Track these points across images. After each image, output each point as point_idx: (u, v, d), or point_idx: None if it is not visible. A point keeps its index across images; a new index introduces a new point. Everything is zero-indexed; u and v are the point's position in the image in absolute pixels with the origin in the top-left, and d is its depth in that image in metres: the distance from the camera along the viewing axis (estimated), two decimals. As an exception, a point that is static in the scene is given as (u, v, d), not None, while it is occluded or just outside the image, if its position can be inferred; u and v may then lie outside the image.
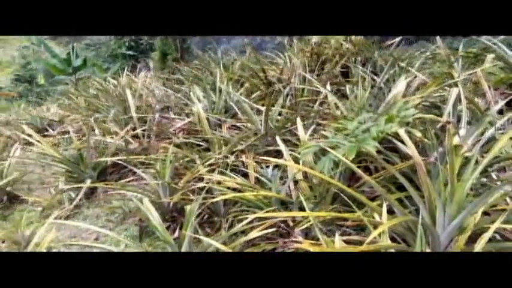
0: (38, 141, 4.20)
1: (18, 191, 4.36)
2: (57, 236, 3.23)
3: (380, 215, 1.84)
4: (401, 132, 1.97)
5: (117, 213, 3.55)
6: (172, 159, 2.96)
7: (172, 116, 4.28)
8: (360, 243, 1.95)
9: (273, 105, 3.53)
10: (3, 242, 3.26)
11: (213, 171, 2.91)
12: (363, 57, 4.51)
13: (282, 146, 2.66)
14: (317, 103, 3.55)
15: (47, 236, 2.69)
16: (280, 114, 3.59)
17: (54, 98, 11.35)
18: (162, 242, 2.89)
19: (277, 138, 2.72)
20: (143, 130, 4.24)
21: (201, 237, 2.00)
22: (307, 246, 1.61)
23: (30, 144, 5.22)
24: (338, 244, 1.69)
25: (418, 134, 2.06)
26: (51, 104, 8.73)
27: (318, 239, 2.05)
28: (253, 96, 4.10)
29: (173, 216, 3.00)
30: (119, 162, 4.07)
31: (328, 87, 3.38)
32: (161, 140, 4.20)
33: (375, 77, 3.90)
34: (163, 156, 3.03)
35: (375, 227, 1.75)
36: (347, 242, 1.90)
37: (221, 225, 2.72)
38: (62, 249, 3.10)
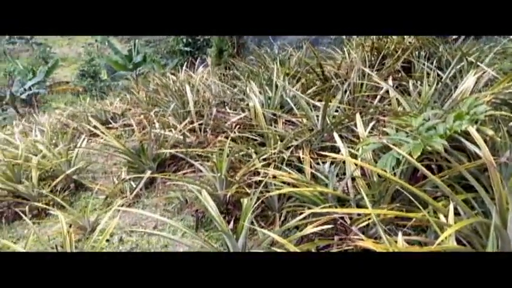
0: (103, 132, 4.43)
1: (84, 180, 4.64)
2: (118, 223, 3.41)
3: (445, 215, 1.75)
4: (472, 130, 1.86)
5: (174, 203, 3.67)
6: (229, 153, 3.00)
7: (228, 110, 4.34)
8: (421, 244, 1.87)
9: (330, 101, 3.47)
10: (70, 226, 3.47)
11: (268, 165, 2.91)
12: (426, 52, 4.30)
13: (339, 142, 2.60)
14: (377, 99, 3.45)
15: (111, 222, 2.82)
16: (337, 110, 3.52)
17: (116, 92, 11.92)
18: (217, 233, 2.96)
19: (335, 134, 2.67)
20: (200, 124, 4.33)
21: (259, 229, 2.01)
22: (369, 244, 1.56)
23: (95, 135, 5.54)
24: (401, 244, 1.62)
25: (490, 132, 1.93)
26: (114, 98, 9.16)
27: (376, 238, 1.99)
28: (309, 91, 4.05)
29: (228, 209, 3.05)
30: (177, 154, 4.21)
31: (390, 82, 3.26)
32: (217, 134, 4.28)
33: (440, 73, 3.71)
34: (220, 150, 3.08)
35: (440, 228, 1.67)
36: (407, 242, 1.83)
37: (275, 219, 2.73)
38: (124, 236, 3.26)
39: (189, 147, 4.04)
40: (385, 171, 1.87)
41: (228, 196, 2.92)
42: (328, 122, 3.14)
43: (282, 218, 2.70)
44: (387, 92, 3.38)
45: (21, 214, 3.66)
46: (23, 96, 19.12)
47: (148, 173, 4.02)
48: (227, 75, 5.94)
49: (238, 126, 3.84)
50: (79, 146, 4.80)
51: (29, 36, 38.35)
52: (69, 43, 41.49)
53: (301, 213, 2.49)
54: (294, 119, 3.61)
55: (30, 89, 19.34)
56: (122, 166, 4.53)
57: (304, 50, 5.52)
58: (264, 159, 3.03)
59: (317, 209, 2.04)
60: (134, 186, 4.01)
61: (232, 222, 2.74)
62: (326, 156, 2.40)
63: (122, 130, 5.94)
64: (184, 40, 11.68)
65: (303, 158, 2.74)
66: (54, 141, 5.50)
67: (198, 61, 8.79)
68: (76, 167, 4.56)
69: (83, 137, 5.17)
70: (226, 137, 3.38)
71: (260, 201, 2.57)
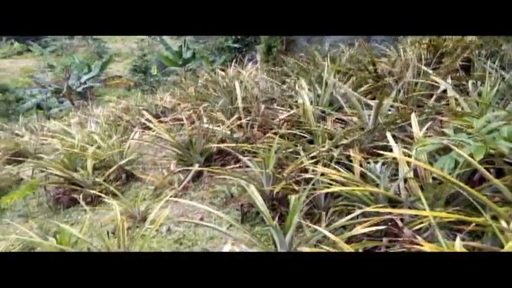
0: (155, 126, 4.56)
1: (135, 170, 4.82)
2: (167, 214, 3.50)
3: (507, 221, 1.65)
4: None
5: (219, 197, 3.72)
6: (277, 149, 3.00)
7: (276, 107, 4.33)
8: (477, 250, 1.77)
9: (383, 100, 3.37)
10: (121, 214, 3.61)
11: (316, 163, 2.88)
12: (488, 51, 4.07)
13: (392, 142, 2.52)
14: (432, 98, 3.31)
15: (162, 212, 2.90)
16: (389, 110, 3.42)
17: (166, 87, 12.25)
18: (262, 228, 2.97)
19: (388, 133, 2.59)
20: (247, 120, 4.35)
21: (312, 225, 1.99)
22: (427, 248, 1.50)
23: (147, 128, 5.73)
24: (459, 249, 1.55)
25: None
26: (164, 93, 9.43)
27: (429, 242, 1.91)
28: (360, 89, 3.96)
29: (273, 205, 3.05)
30: (224, 149, 4.27)
31: (449, 81, 3.12)
32: (264, 130, 4.29)
33: (503, 72, 3.50)
34: (269, 146, 3.07)
35: (502, 234, 1.57)
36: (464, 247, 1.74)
37: (320, 217, 2.69)
38: (172, 226, 3.34)
39: (236, 143, 4.08)
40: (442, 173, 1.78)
41: (274, 192, 2.91)
42: (381, 121, 3.05)
43: (328, 217, 2.66)
44: (444, 91, 3.24)
45: (79, 200, 3.86)
46: (79, 90, 20.13)
47: (196, 166, 4.10)
48: (276, 71, 5.93)
49: (286, 123, 3.83)
50: (132, 138, 4.98)
51: (85, 32, 40.07)
52: (123, 39, 43.14)
53: (348, 213, 2.44)
54: (344, 117, 3.54)
55: (85, 82, 20.33)
56: (171, 159, 4.66)
57: (357, 47, 5.40)
58: (312, 157, 3.00)
59: (370, 209, 1.99)
60: (182, 178, 4.11)
61: (276, 218, 2.74)
62: (378, 155, 2.34)
63: (171, 124, 6.10)
64: (233, 37, 11.79)
65: (353, 156, 2.68)
66: (107, 132, 5.75)
67: (246, 58, 8.85)
68: (128, 158, 4.74)
69: (135, 129, 5.36)
70: (275, 134, 3.37)
71: (306, 198, 2.54)
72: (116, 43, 41.88)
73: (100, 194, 3.97)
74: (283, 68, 6.03)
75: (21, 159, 6.87)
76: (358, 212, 2.07)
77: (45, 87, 20.80)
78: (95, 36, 39.63)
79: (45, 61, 29.56)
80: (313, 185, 2.68)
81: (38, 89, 21.46)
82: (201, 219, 3.44)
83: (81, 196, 4.21)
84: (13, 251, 3.42)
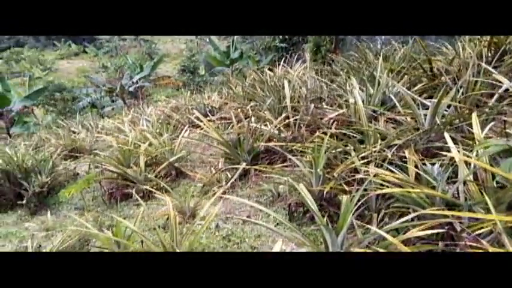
0: (205, 125, 4.64)
1: (183, 167, 4.94)
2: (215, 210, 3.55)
3: None
4: None
5: (266, 195, 3.72)
6: (327, 149, 2.95)
7: (325, 106, 4.28)
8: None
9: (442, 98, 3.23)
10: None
11: (367, 164, 2.81)
12: (557, 47, 3.80)
13: (450, 143, 2.41)
14: (493, 98, 3.12)
15: (212, 209, 2.95)
16: (445, 110, 3.27)
17: (213, 87, 12.46)
18: (310, 228, 2.94)
19: (446, 134, 2.47)
20: (295, 119, 4.33)
21: (373, 228, 1.94)
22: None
23: (196, 127, 5.86)
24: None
25: None
26: (211, 92, 9.59)
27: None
28: (415, 88, 3.82)
29: (321, 205, 3.01)
30: (270, 148, 4.27)
31: (513, 79, 2.93)
32: (312, 130, 4.25)
33: None
34: (318, 146, 3.04)
35: None
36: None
37: (371, 219, 2.62)
38: (220, 223, 3.39)
39: (284, 142, 4.07)
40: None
41: (322, 192, 2.87)
42: (438, 121, 2.92)
43: (379, 219, 2.59)
44: (506, 90, 3.05)
45: (132, 195, 4.00)
46: (131, 89, 20.94)
47: (243, 165, 4.13)
48: (324, 70, 5.86)
49: (335, 123, 3.77)
50: (182, 136, 5.10)
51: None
52: (173, 40, 44.49)
53: (401, 215, 2.36)
54: (397, 117, 3.43)
55: (137, 82, 21.12)
56: (218, 157, 4.73)
57: (410, 45, 5.22)
58: (363, 158, 2.93)
59: (428, 211, 1.91)
60: (229, 176, 4.16)
61: (325, 219, 2.70)
62: (434, 156, 2.24)
63: (218, 123, 6.19)
64: (281, 36, 11.79)
65: (407, 157, 2.58)
66: (159, 130, 5.94)
67: (293, 57, 8.81)
68: (178, 156, 4.87)
69: (185, 127, 5.49)
70: (324, 133, 3.33)
71: (357, 199, 2.49)
72: (165, 44, 43.26)
73: (152, 189, 4.10)
74: (332, 67, 5.94)
75: (77, 155, 7.27)
76: (413, 214, 1.99)
77: (99, 87, 21.84)
78: (146, 38, 41.19)
79: (100, 62, 31.10)
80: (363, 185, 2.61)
81: (92, 89, 22.59)
82: (248, 216, 3.46)
83: (133, 191, 4.39)
84: (70, 242, 3.61)
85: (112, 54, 39.09)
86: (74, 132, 8.93)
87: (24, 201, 4.93)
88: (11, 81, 22.14)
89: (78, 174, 5.86)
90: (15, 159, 5.39)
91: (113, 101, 21.13)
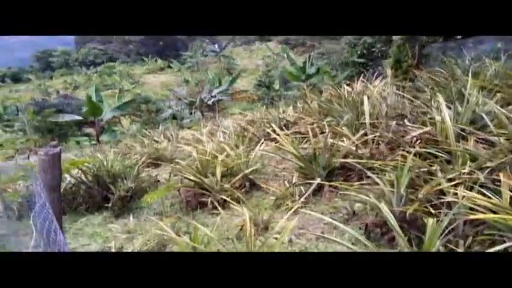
0: (282, 138, 4.66)
1: (257, 180, 4.99)
2: (287, 224, 3.52)
3: None
4: None
5: (341, 213, 3.62)
6: (410, 168, 2.80)
7: (407, 124, 4.08)
8: None
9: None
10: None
11: (455, 186, 2.61)
12: None
13: (556, 168, 2.16)
14: None
15: (288, 223, 2.93)
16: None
17: (288, 101, 12.53)
18: (388, 250, 2.80)
19: (550, 157, 2.22)
20: (374, 136, 4.18)
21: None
22: None
23: (271, 140, 5.91)
24: None
25: None
26: (286, 106, 9.64)
27: None
28: (510, 107, 3.51)
29: (401, 227, 2.85)
30: (346, 165, 4.16)
31: None
32: (391, 147, 4.07)
33: None
34: (402, 164, 2.89)
35: None
36: None
37: (457, 245, 2.42)
38: (293, 238, 3.35)
39: (360, 159, 3.95)
40: None
41: (405, 214, 2.72)
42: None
43: (467, 245, 2.38)
44: None
45: (215, 202, 4.10)
46: (209, 102, 21.85)
47: (318, 180, 4.07)
48: (407, 86, 5.61)
49: (419, 141, 3.57)
50: (258, 149, 5.17)
51: (218, 49, 43.93)
52: (250, 56, 45.83)
53: (492, 243, 2.15)
54: (489, 137, 3.16)
55: (215, 96, 21.98)
56: (292, 171, 4.71)
57: (503, 61, 4.82)
58: (450, 179, 2.73)
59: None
60: (303, 191, 4.12)
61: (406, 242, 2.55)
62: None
63: (293, 137, 6.19)
64: (359, 51, 11.57)
65: (503, 181, 2.36)
66: (235, 142, 6.08)
67: (370, 72, 8.59)
68: (253, 168, 4.94)
69: (261, 141, 5.56)
70: (407, 152, 3.17)
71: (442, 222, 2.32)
72: (243, 59, 44.62)
73: (227, 199, 4.19)
74: (415, 83, 5.67)
75: (159, 162, 7.69)
76: (508, 243, 1.80)
77: (180, 100, 23.09)
78: (226, 53, 43.04)
79: (182, 76, 32.90)
80: (449, 208, 2.43)
81: (174, 101, 23.95)
82: (322, 232, 3.38)
83: (209, 200, 4.52)
84: (149, 245, 3.80)
85: (194, 69, 41.22)
86: (157, 142, 9.47)
87: (110, 204, 5.30)
88: (103, 93, 24.20)
89: (159, 181, 6.18)
90: (105, 164, 5.84)
91: (191, 113, 22.19)
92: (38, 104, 27.44)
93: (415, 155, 3.21)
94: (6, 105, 33.53)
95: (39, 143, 23.78)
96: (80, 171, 6.01)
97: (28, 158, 15.92)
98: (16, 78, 59.75)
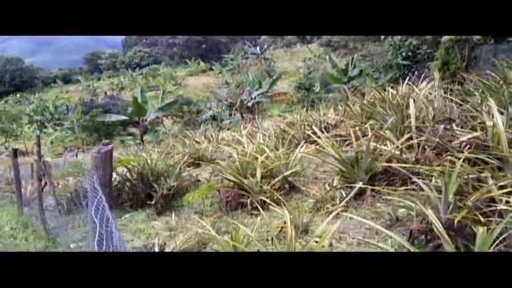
0: (323, 141, 4.61)
1: (296, 182, 4.96)
2: (327, 228, 3.48)
3: None
4: None
5: (383, 218, 3.52)
6: (459, 174, 2.69)
7: (455, 128, 3.92)
8: None
9: None
10: (284, 223, 3.74)
11: (508, 194, 2.49)
12: None
13: None
14: None
15: (329, 227, 2.89)
16: None
17: (328, 104, 12.40)
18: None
19: None
20: (420, 141, 4.05)
21: None
22: None
23: (311, 142, 5.87)
24: None
25: None
26: (326, 109, 9.54)
27: None
28: None
29: (448, 235, 2.75)
30: (389, 169, 4.05)
31: None
32: (437, 152, 3.93)
33: None
34: (448, 170, 2.79)
35: None
36: None
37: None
38: (333, 242, 3.31)
39: (405, 164, 3.83)
40: None
41: (452, 221, 2.62)
42: None
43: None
44: None
45: (256, 203, 4.12)
46: (249, 104, 22.02)
47: (360, 184, 4.00)
48: (455, 90, 5.40)
49: (468, 147, 3.42)
50: (298, 151, 5.15)
51: (259, 52, 44.26)
52: (291, 58, 45.80)
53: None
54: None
55: (255, 98, 22.12)
56: (333, 174, 4.65)
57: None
58: (502, 187, 2.61)
59: None
60: (344, 195, 4.05)
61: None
62: None
63: (334, 140, 6.11)
64: (404, 53, 11.25)
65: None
66: (274, 144, 6.09)
67: (415, 75, 8.32)
68: (292, 170, 4.92)
69: (302, 143, 5.53)
70: (456, 157, 3.04)
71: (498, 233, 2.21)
72: (283, 62, 44.64)
73: (267, 200, 4.20)
74: (464, 86, 5.44)
75: (199, 162, 7.83)
76: None
77: (221, 101, 23.43)
78: (267, 56, 43.28)
79: (223, 78, 33.38)
80: (500, 217, 2.32)
81: (214, 103, 24.35)
82: (363, 237, 3.31)
83: (248, 201, 4.55)
84: (190, 243, 3.87)
85: (234, 71, 41.73)
86: (197, 142, 9.66)
87: (153, 202, 5.46)
88: (147, 94, 25.03)
89: (199, 180, 6.30)
90: (149, 162, 6.02)
91: (230, 115, 22.45)
92: (86, 104, 28.87)
93: (463, 160, 3.08)
94: (57, 105, 35.42)
95: (87, 141, 24.98)
96: (125, 169, 6.23)
97: (76, 155, 16.70)
98: (66, 79, 63.15)
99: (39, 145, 5.28)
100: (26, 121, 33.11)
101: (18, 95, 51.10)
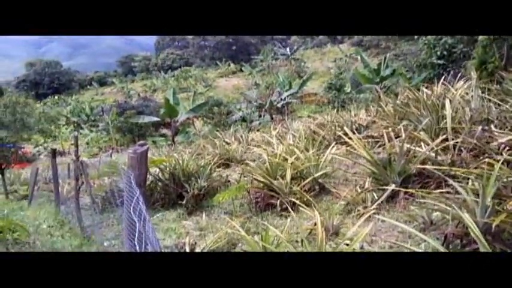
0: (355, 142, 4.54)
1: (327, 184, 4.91)
2: (359, 231, 3.42)
3: None
4: None
5: (417, 222, 3.43)
6: (498, 177, 2.59)
7: (494, 129, 3.78)
8: None
9: None
10: (314, 224, 3.71)
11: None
12: None
13: None
14: None
15: (359, 230, 2.85)
16: None
17: (359, 104, 12.20)
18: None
19: None
20: (456, 142, 3.93)
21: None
22: None
23: (342, 143, 5.80)
24: None
25: None
26: (357, 109, 9.39)
27: None
28: None
29: (486, 239, 2.64)
30: (423, 171, 3.94)
31: None
32: (474, 154, 3.80)
33: None
34: (486, 173, 2.69)
35: None
36: None
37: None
38: (364, 245, 3.25)
39: (440, 166, 3.72)
40: None
41: (490, 226, 2.52)
42: None
43: None
44: None
45: (286, 204, 4.10)
46: (278, 105, 21.98)
47: (392, 186, 3.91)
48: (493, 89, 5.20)
49: (507, 149, 3.29)
50: (328, 153, 5.10)
51: (289, 52, 44.20)
52: (321, 58, 45.46)
53: None
54: None
55: (285, 99, 22.07)
56: (364, 176, 4.57)
57: None
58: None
59: None
60: (376, 197, 3.97)
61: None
62: None
63: (365, 141, 6.01)
64: (438, 52, 10.91)
65: None
66: (304, 145, 6.04)
67: (451, 74, 8.06)
68: (322, 172, 4.87)
69: (332, 144, 5.47)
70: (495, 160, 2.93)
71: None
72: (314, 62, 44.34)
73: (297, 202, 4.18)
74: (503, 86, 5.23)
75: (229, 163, 7.89)
76: None
77: (250, 102, 23.52)
78: (297, 56, 43.14)
79: (253, 79, 33.50)
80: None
81: (244, 104, 24.46)
82: (396, 240, 3.24)
83: (278, 202, 4.53)
84: (220, 243, 3.90)
85: (264, 72, 41.81)
86: (227, 143, 9.73)
87: (184, 201, 5.54)
88: (178, 95, 25.46)
89: (229, 181, 6.34)
90: (181, 163, 6.12)
91: (260, 116, 22.49)
92: (121, 105, 29.67)
93: (502, 163, 2.96)
94: (93, 107, 36.64)
95: (120, 142, 25.70)
96: (158, 170, 6.36)
97: (110, 155, 17.20)
98: (102, 82, 65.29)
99: (77, 146, 5.47)
100: (63, 122, 34.40)
101: (56, 97, 53.29)
